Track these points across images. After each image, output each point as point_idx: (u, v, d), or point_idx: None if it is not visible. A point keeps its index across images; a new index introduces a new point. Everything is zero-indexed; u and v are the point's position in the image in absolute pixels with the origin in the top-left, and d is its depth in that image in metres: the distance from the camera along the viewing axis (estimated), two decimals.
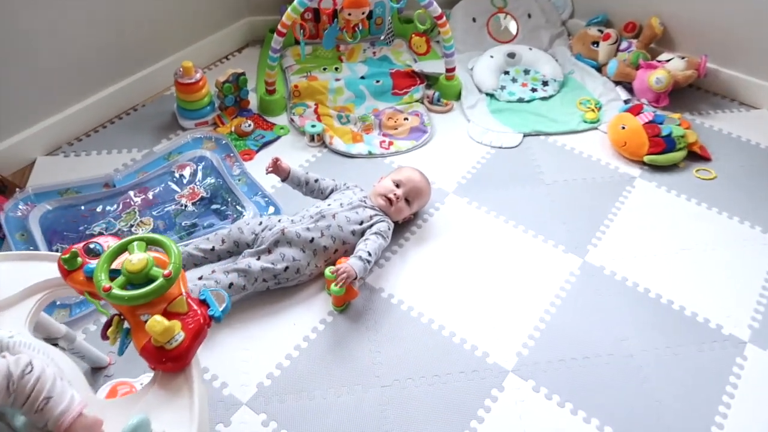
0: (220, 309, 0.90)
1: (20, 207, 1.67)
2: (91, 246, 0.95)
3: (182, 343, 0.84)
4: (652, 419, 1.33)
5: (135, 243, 0.91)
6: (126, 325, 0.89)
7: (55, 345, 1.15)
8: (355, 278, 1.45)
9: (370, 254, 1.50)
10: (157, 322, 0.82)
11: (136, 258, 0.88)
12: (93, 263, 0.91)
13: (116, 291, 0.85)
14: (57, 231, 1.64)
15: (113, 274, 0.89)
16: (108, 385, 1.27)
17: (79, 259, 0.93)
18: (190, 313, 0.88)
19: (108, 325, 0.89)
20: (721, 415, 1.34)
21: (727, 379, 1.41)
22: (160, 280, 0.86)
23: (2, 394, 0.73)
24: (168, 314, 0.87)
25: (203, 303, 0.90)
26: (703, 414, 1.35)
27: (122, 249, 0.91)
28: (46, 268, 1.00)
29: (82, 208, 1.69)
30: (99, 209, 1.70)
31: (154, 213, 1.70)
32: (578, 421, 1.33)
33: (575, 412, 1.34)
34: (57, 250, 1.58)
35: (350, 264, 1.45)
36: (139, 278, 0.87)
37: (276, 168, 1.66)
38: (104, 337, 0.89)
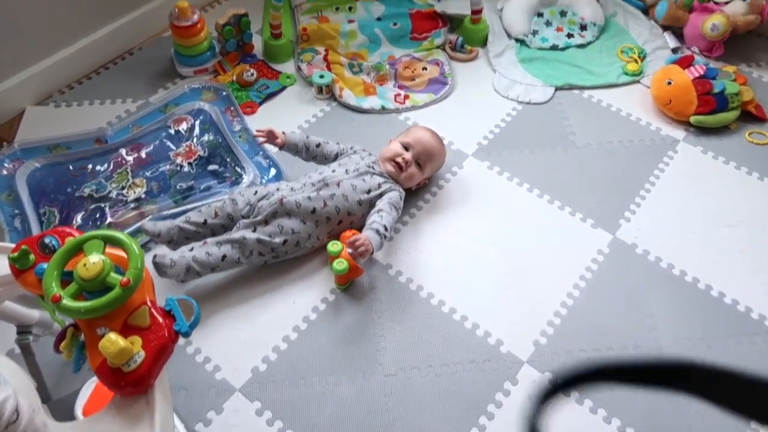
0: (189, 321, 0.78)
1: (6, 165, 1.56)
2: (46, 241, 0.83)
3: (142, 364, 0.73)
4: (682, 425, 1.21)
5: (91, 242, 0.79)
6: (82, 337, 0.78)
7: (29, 333, 1.06)
8: (371, 253, 1.32)
9: (386, 228, 1.36)
10: (111, 342, 0.71)
11: (90, 262, 0.76)
12: (47, 263, 0.80)
13: (67, 302, 0.74)
14: (45, 192, 1.54)
15: (68, 277, 0.78)
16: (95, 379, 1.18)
17: (32, 257, 0.81)
18: (153, 327, 0.76)
19: (61, 337, 0.78)
20: None
21: None
22: (116, 289, 0.74)
23: None
24: (128, 328, 0.75)
25: (169, 314, 0.78)
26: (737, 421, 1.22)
27: (77, 248, 0.79)
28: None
29: (71, 167, 1.57)
30: (89, 168, 1.58)
31: (147, 173, 1.58)
32: (598, 421, 1.22)
33: (595, 410, 1.23)
34: (44, 214, 1.48)
35: (367, 236, 1.32)
36: (93, 285, 0.75)
37: (269, 137, 1.51)
38: (57, 350, 0.79)
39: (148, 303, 0.77)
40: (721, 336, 1.34)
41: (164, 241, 1.37)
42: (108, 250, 0.80)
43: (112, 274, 0.76)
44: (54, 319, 0.81)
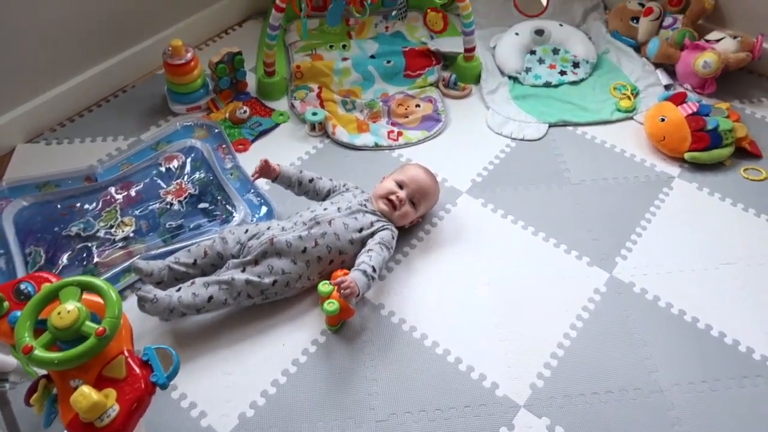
0: (167, 372, 0.75)
1: None
2: (21, 287, 0.80)
3: (116, 418, 0.70)
4: None
5: (67, 289, 0.76)
6: (55, 390, 0.74)
7: (5, 381, 1.02)
8: (357, 295, 1.29)
9: (374, 269, 1.34)
10: (83, 395, 0.68)
11: (65, 310, 0.73)
12: (21, 311, 0.77)
13: (39, 353, 0.71)
14: (32, 231, 1.51)
15: (43, 326, 0.75)
16: None
17: (6, 304, 0.79)
18: (129, 379, 0.73)
19: (33, 389, 0.75)
20: None
21: None
22: (92, 339, 0.71)
23: None
24: (103, 380, 0.72)
25: (146, 364, 0.75)
26: None
27: (53, 295, 0.76)
28: None
29: (59, 206, 1.55)
30: (78, 206, 1.56)
31: (136, 212, 1.56)
32: None
33: None
34: (30, 254, 1.46)
35: (354, 278, 1.29)
36: (68, 335, 0.72)
37: (264, 170, 1.49)
38: (27, 403, 0.75)
39: (125, 353, 0.74)
40: (722, 378, 1.30)
41: (154, 281, 1.34)
42: (85, 296, 0.77)
43: (88, 323, 0.73)
44: (26, 370, 0.78)
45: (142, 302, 1.26)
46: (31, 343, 0.71)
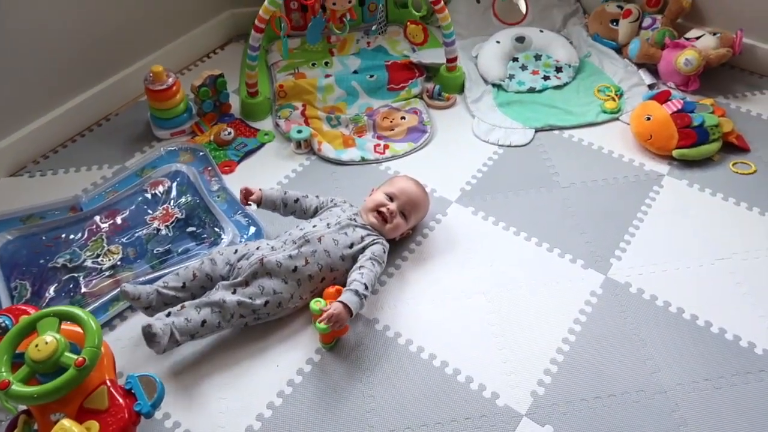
0: (151, 400, 0.72)
1: None
2: None
3: None
4: None
5: (45, 320, 0.73)
6: (35, 426, 0.72)
7: None
8: (350, 315, 1.27)
9: (366, 287, 1.32)
10: (63, 430, 0.65)
11: (42, 342, 0.70)
12: None
13: (16, 388, 0.68)
14: (18, 264, 1.48)
15: (20, 359, 0.72)
16: None
17: None
18: (112, 409, 0.71)
19: (13, 425, 0.72)
20: None
21: None
22: (71, 371, 0.69)
23: None
24: (84, 412, 0.70)
25: (129, 393, 0.72)
26: None
27: (30, 327, 0.74)
28: None
29: (44, 238, 1.53)
30: (63, 237, 1.54)
31: (123, 239, 1.53)
32: None
33: None
34: (15, 288, 1.43)
35: (345, 299, 1.27)
36: (46, 368, 0.70)
37: (247, 195, 1.48)
38: None
39: (107, 382, 0.72)
40: (726, 375, 1.28)
41: (142, 306, 1.31)
42: (65, 326, 0.75)
43: (67, 354, 0.71)
44: (5, 406, 0.75)
45: (152, 339, 1.19)
46: (8, 378, 0.69)
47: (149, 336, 1.20)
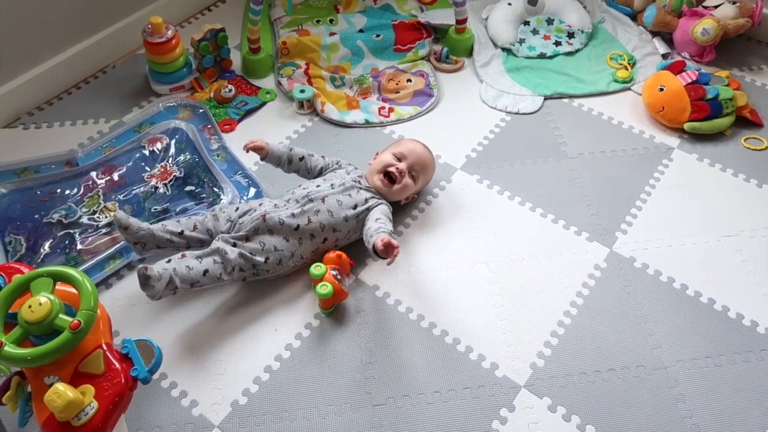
0: (149, 365, 0.70)
1: None
2: None
3: (95, 416, 0.66)
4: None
5: (39, 280, 0.71)
6: (29, 387, 0.70)
7: None
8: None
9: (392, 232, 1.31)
10: (57, 394, 0.63)
11: (36, 303, 0.68)
12: None
13: (9, 349, 0.66)
14: (12, 219, 1.45)
15: (13, 320, 0.70)
16: None
17: None
18: (108, 374, 0.68)
19: (5, 387, 0.70)
20: None
21: None
22: (65, 333, 0.66)
23: None
24: (79, 376, 0.68)
25: (126, 358, 0.70)
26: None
27: (23, 287, 0.71)
28: None
29: (39, 192, 1.49)
30: (59, 192, 1.50)
31: (120, 196, 1.50)
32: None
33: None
34: (10, 242, 1.40)
35: (384, 230, 1.28)
36: (40, 329, 0.68)
37: (253, 148, 1.44)
38: (0, 402, 0.71)
39: (103, 346, 0.70)
40: (727, 353, 1.28)
41: (131, 239, 1.26)
42: (59, 287, 0.72)
43: (61, 316, 0.68)
44: None
45: (148, 281, 1.16)
46: (1, 339, 0.67)
47: (144, 278, 1.16)
